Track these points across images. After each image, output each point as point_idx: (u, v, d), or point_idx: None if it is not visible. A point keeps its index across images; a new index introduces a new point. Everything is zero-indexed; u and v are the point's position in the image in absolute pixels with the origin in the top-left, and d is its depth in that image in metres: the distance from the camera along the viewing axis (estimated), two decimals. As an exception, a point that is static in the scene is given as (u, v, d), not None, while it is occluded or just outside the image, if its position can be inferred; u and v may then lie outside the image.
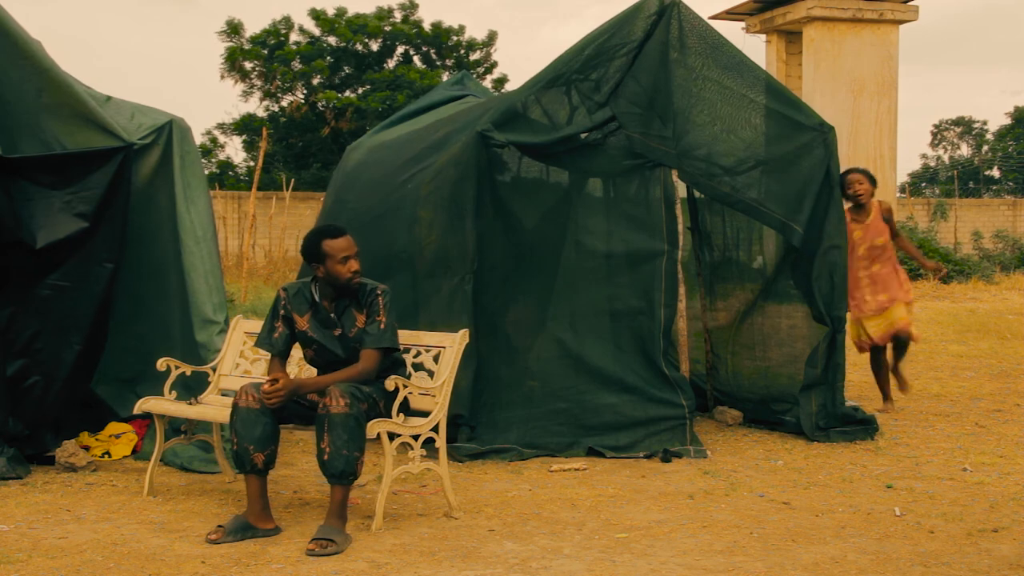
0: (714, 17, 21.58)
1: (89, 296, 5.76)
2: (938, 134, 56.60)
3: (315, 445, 4.40)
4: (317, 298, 4.73)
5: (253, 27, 32.37)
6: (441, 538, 4.41)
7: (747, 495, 5.18)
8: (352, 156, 7.83)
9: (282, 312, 4.77)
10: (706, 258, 7.41)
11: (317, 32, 31.81)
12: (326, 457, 4.33)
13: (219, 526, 4.42)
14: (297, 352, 5.02)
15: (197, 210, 6.06)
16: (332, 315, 4.71)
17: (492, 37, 33.09)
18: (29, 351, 5.65)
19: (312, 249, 4.68)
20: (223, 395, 5.51)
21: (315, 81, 31.47)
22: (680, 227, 6.56)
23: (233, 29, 31.61)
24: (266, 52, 31.22)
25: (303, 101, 31.73)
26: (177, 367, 5.40)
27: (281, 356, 4.79)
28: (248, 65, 31.55)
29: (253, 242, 18.33)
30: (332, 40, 31.67)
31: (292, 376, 4.91)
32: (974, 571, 3.99)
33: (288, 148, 31.90)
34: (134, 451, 5.94)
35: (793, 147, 6.52)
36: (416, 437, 4.63)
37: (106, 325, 5.96)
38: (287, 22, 31.81)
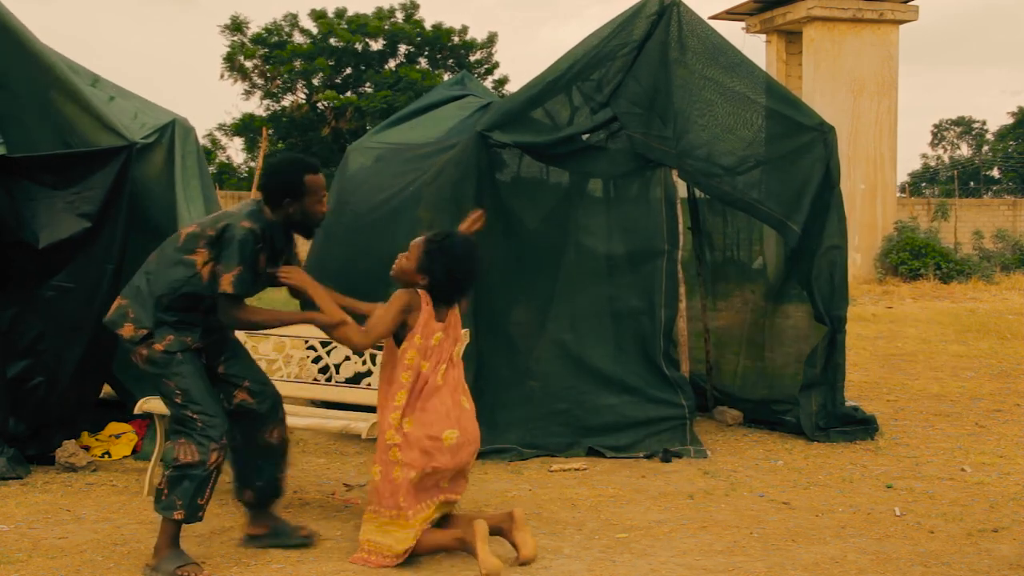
0: (714, 17, 21.60)
1: (92, 296, 5.76)
2: (938, 134, 56.65)
3: (255, 472, 4.33)
4: (273, 237, 4.07)
5: (254, 27, 32.27)
6: (441, 538, 4.40)
7: (747, 495, 5.18)
8: (353, 157, 7.82)
9: (258, 255, 4.00)
10: (707, 258, 7.42)
11: (317, 32, 31.78)
12: (282, 484, 4.38)
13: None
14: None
15: (197, 209, 6.05)
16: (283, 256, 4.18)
17: (493, 38, 33.10)
18: (33, 352, 5.65)
19: (293, 182, 3.98)
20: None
21: (316, 80, 31.45)
22: (680, 227, 6.57)
23: (236, 26, 31.56)
24: (266, 51, 31.18)
25: (304, 101, 31.70)
26: (178, 367, 5.38)
27: None
28: (248, 64, 31.52)
29: (253, 242, 18.34)
30: (333, 40, 31.64)
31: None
32: (974, 571, 3.99)
33: (289, 148, 31.86)
34: (134, 451, 5.95)
35: (793, 147, 6.53)
36: (416, 437, 4.63)
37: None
38: (292, 19, 31.78)
